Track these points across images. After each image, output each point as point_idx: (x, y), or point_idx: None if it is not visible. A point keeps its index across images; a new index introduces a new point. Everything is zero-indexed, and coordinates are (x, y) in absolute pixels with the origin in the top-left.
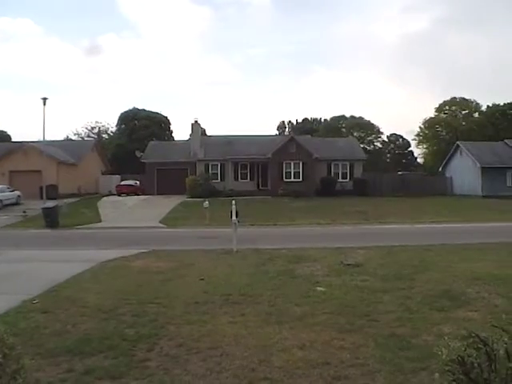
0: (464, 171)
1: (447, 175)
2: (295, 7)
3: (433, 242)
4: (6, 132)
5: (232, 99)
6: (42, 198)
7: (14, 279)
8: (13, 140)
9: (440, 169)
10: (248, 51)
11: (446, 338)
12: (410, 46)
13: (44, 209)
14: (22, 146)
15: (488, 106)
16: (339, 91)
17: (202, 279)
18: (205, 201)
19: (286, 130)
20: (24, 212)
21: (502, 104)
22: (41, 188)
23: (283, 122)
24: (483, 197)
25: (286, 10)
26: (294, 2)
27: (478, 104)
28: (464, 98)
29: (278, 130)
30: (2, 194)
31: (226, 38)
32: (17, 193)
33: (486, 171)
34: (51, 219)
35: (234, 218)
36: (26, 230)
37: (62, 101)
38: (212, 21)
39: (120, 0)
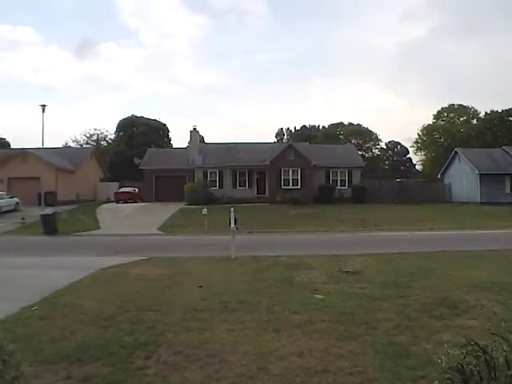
0: (462, 178)
1: (446, 182)
2: (293, 16)
3: (431, 249)
4: (5, 139)
5: (230, 106)
6: (40, 204)
7: (12, 286)
8: (12, 147)
9: (438, 176)
10: (246, 59)
11: (445, 345)
12: (407, 54)
13: (42, 216)
14: (21, 153)
15: (486, 113)
16: (337, 98)
17: (201, 286)
18: (203, 208)
19: (285, 137)
20: (22, 219)
21: (500, 110)
22: (39, 195)
23: (281, 129)
24: (482, 203)
25: (284, 19)
26: (291, 11)
27: (476, 111)
28: (462, 105)
29: (276, 137)
30: (1, 200)
31: (224, 45)
32: (15, 199)
33: (485, 178)
34: (49, 226)
35: (232, 225)
36: (25, 236)
37: (61, 108)
38: (210, 29)
39: (119, 8)
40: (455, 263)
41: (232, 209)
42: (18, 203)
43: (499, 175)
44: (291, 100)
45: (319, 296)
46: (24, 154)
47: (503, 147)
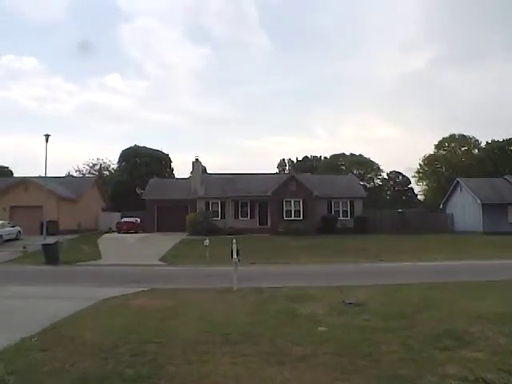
0: (464, 208)
1: (448, 212)
2: (295, 47)
3: (435, 279)
4: (7, 167)
5: (232, 137)
6: (42, 233)
7: (12, 316)
8: (14, 175)
9: (440, 205)
10: (248, 89)
11: (451, 380)
12: (408, 84)
13: (44, 245)
14: (24, 182)
15: (487, 142)
16: (339, 129)
17: (202, 318)
18: (205, 239)
19: (287, 168)
20: (24, 248)
21: (501, 140)
22: (41, 224)
23: (283, 159)
24: (484, 233)
25: (285, 50)
26: (293, 42)
27: (477, 140)
28: (463, 135)
29: (278, 168)
30: (3, 229)
31: (226, 76)
32: (17, 228)
33: (487, 207)
34: (51, 255)
35: (234, 256)
36: (26, 265)
37: (64, 137)
38: (213, 60)
39: (123, 39)
40: (459, 294)
41: (234, 240)
42: (19, 232)
43: (501, 205)
44: (293, 130)
45: (322, 328)
46: (26, 182)
47: (505, 176)
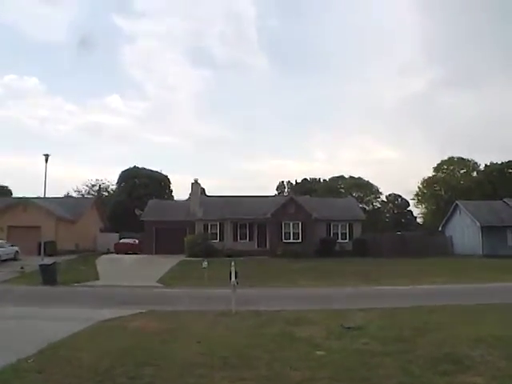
0: (464, 230)
1: (447, 234)
2: (294, 69)
3: (434, 303)
4: (7, 187)
5: (231, 159)
6: (39, 253)
7: (9, 336)
8: (14, 195)
9: (440, 228)
10: (248, 111)
11: None
12: (407, 107)
13: (41, 265)
14: (22, 202)
15: (486, 165)
16: (338, 151)
17: (199, 342)
18: (203, 260)
19: (286, 190)
20: (21, 268)
21: (499, 162)
22: (39, 244)
23: (282, 182)
24: (484, 256)
25: (285, 72)
26: (293, 65)
27: (475, 163)
28: (462, 158)
29: (277, 190)
30: (1, 249)
31: (226, 98)
32: (15, 248)
33: (486, 230)
34: (49, 276)
35: (232, 279)
36: (23, 286)
37: (63, 157)
38: (213, 82)
39: (124, 61)
40: (459, 317)
41: (232, 262)
42: (17, 252)
43: (501, 227)
44: (292, 152)
45: (320, 352)
46: (25, 202)
47: (504, 199)
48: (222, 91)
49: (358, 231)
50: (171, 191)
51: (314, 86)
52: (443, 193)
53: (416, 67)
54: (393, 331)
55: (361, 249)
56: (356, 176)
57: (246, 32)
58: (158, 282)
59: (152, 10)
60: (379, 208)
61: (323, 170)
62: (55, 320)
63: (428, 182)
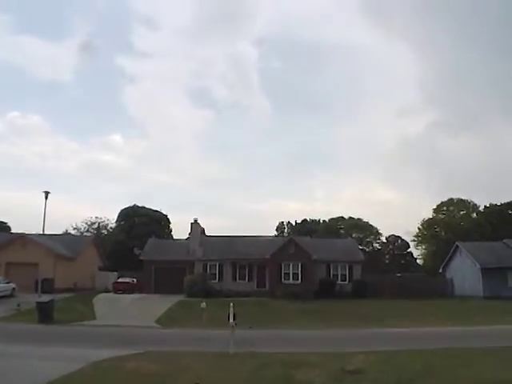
0: (464, 272)
1: (447, 276)
2: (294, 110)
3: (435, 345)
4: (6, 223)
5: (231, 199)
6: (37, 291)
7: (1, 377)
8: (12, 231)
9: (440, 269)
10: (248, 152)
11: None
12: (406, 148)
13: (38, 303)
14: (20, 238)
15: (485, 206)
16: (337, 192)
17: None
18: (202, 301)
19: (285, 230)
20: (18, 305)
21: (499, 204)
22: (36, 281)
23: (282, 222)
24: (485, 298)
25: (285, 113)
26: (293, 106)
27: (475, 204)
28: (461, 199)
29: (277, 230)
30: None
31: (226, 138)
32: (12, 285)
33: (487, 272)
34: (45, 314)
35: (231, 320)
36: (19, 324)
37: (63, 194)
38: (213, 121)
39: (126, 101)
40: (460, 360)
41: (231, 304)
42: (14, 289)
43: (501, 269)
44: (292, 193)
45: None
46: (23, 239)
47: (504, 240)
48: (223, 131)
49: (357, 273)
50: (171, 230)
51: (315, 127)
52: (443, 234)
53: (415, 109)
54: (393, 375)
55: (360, 290)
56: (356, 217)
57: (247, 73)
58: (156, 322)
59: (154, 50)
60: (379, 249)
61: (323, 210)
62: (50, 360)
63: (428, 223)
